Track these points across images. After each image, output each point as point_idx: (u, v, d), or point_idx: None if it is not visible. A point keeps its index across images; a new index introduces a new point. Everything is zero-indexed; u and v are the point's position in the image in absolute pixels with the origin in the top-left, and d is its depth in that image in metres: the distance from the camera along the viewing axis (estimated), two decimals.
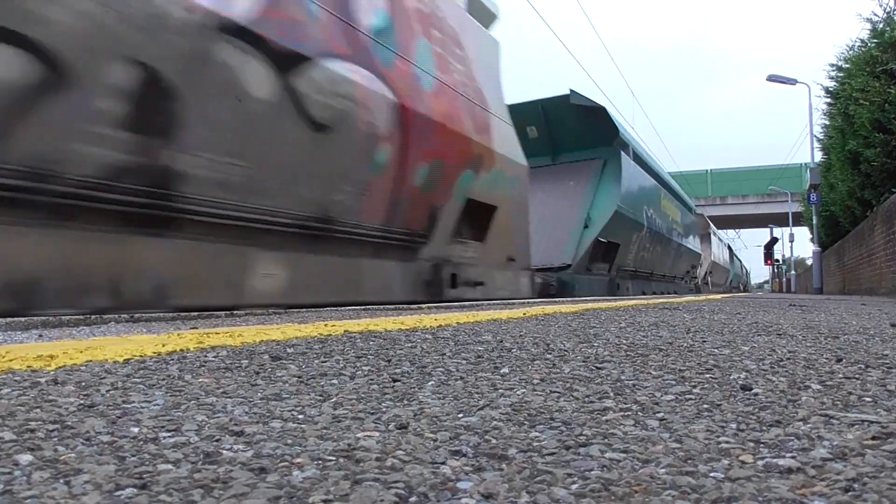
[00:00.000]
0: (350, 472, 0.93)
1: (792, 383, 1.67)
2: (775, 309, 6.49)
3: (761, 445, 1.08)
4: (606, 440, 1.11)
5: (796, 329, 3.50)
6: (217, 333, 2.89)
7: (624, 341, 2.73)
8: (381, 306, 6.90)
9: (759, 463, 0.98)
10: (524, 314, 4.85)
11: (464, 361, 2.10)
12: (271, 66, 5.13)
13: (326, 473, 0.93)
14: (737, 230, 70.30)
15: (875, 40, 14.61)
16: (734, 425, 1.21)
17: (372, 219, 6.62)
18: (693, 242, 28.22)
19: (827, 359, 2.16)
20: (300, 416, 1.30)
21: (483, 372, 1.88)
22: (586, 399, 1.48)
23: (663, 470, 0.94)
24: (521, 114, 13.13)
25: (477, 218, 8.69)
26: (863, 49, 15.52)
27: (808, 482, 0.89)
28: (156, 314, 4.64)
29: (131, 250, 4.31)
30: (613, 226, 15.05)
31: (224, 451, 1.03)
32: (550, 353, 2.31)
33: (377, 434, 1.16)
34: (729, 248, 54.32)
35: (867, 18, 15.40)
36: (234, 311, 5.31)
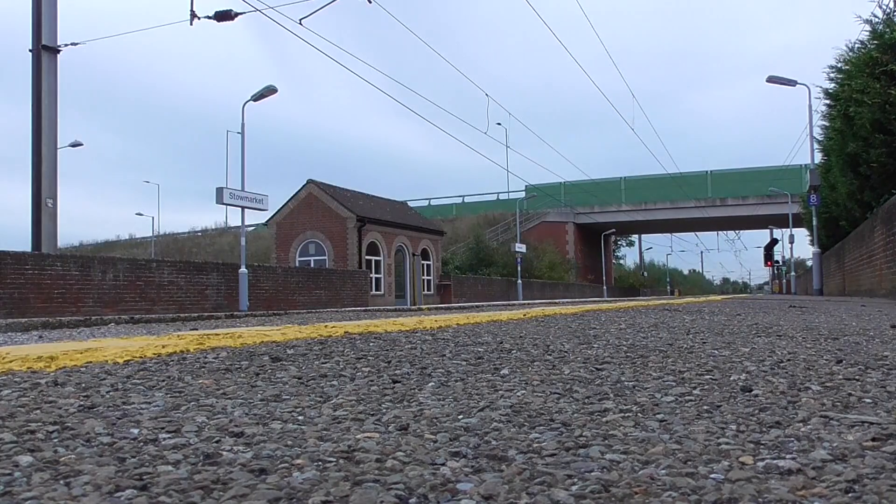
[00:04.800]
0: (350, 474, 0.93)
1: (792, 385, 1.67)
2: (775, 310, 6.49)
3: (761, 447, 1.08)
4: (606, 441, 1.11)
5: (796, 330, 3.50)
6: (217, 335, 2.89)
7: (624, 343, 2.73)
8: (382, 310, 7.06)
9: (759, 464, 0.97)
10: (524, 315, 4.84)
11: (464, 363, 2.09)
12: None
13: (326, 475, 0.93)
14: (737, 231, 70.29)
15: (875, 42, 14.61)
16: (734, 427, 1.21)
17: None
18: None
19: (827, 360, 2.16)
20: (300, 418, 1.30)
21: (483, 373, 1.88)
22: (586, 400, 1.47)
23: (663, 471, 0.94)
24: None
25: None
26: (862, 51, 15.52)
27: (807, 483, 0.88)
28: (156, 316, 4.63)
29: None
30: None
31: (224, 453, 1.03)
32: (550, 355, 2.30)
33: (377, 435, 1.16)
34: None
35: (867, 20, 15.41)
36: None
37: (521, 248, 35.07)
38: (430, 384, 1.69)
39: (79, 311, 12.85)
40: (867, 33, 15.51)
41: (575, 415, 1.32)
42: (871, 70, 14.16)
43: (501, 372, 1.90)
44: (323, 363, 2.05)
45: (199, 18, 14.64)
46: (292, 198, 27.00)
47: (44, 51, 13.24)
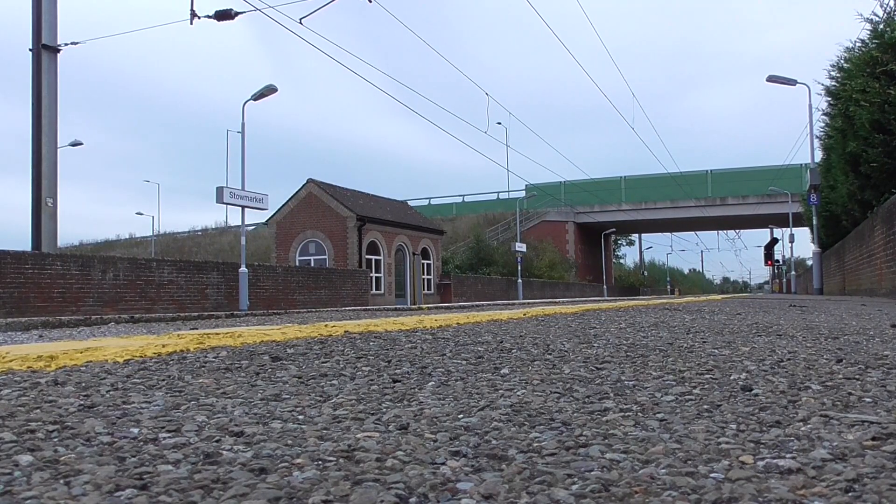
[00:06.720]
0: (350, 473, 0.93)
1: (792, 384, 1.67)
2: (775, 310, 6.49)
3: (761, 446, 1.08)
4: (606, 441, 1.11)
5: (796, 330, 3.50)
6: (217, 334, 2.89)
7: (624, 342, 2.73)
8: (382, 309, 7.07)
9: (759, 464, 0.97)
10: (524, 314, 4.85)
11: (464, 362, 2.09)
12: None
13: (326, 474, 0.93)
14: (737, 231, 70.24)
15: (875, 41, 14.59)
16: (734, 426, 1.21)
17: None
18: None
19: (827, 359, 2.16)
20: (300, 417, 1.30)
21: (483, 372, 1.88)
22: (586, 400, 1.47)
23: (663, 470, 0.94)
24: None
25: None
26: (863, 50, 15.50)
27: (807, 483, 0.88)
28: (156, 315, 4.64)
29: None
30: None
31: (224, 452, 1.03)
32: (550, 354, 2.31)
33: (377, 435, 1.16)
34: None
35: (867, 19, 15.39)
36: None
37: (521, 247, 35.06)
38: (430, 383, 1.69)
39: (79, 310, 12.86)
40: (868, 32, 15.49)
41: (575, 414, 1.32)
42: (872, 69, 14.14)
43: (502, 371, 1.90)
44: (323, 362, 2.05)
45: (199, 18, 14.65)
46: (292, 197, 27.01)
47: (44, 50, 13.24)
